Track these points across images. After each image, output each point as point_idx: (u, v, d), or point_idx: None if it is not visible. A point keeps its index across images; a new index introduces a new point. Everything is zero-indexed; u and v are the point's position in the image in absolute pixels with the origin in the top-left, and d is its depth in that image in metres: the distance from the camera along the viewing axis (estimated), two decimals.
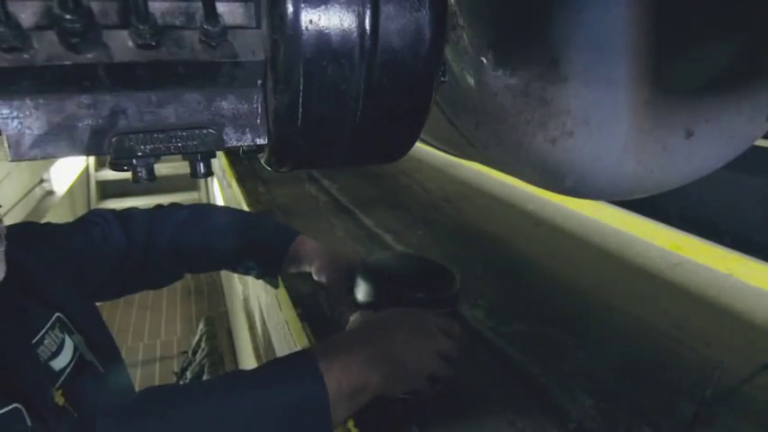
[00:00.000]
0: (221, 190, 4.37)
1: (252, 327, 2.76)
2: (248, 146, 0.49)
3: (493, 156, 0.90)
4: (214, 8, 0.40)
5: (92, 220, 1.04)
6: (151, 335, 5.32)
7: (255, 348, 2.62)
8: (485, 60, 0.80)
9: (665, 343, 1.22)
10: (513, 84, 0.80)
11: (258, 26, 0.45)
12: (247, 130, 0.47)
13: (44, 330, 0.79)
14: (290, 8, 0.41)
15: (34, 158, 0.43)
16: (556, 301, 1.41)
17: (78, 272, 0.92)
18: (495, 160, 0.92)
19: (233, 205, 3.12)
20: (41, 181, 5.12)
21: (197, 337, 3.31)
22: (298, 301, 1.28)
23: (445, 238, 1.81)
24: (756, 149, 0.97)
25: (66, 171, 5.66)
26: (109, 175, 6.37)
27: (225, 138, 0.47)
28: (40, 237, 0.91)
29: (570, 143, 0.84)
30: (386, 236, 1.85)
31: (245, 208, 2.13)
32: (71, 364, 0.80)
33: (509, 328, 1.26)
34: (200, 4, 0.42)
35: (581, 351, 1.17)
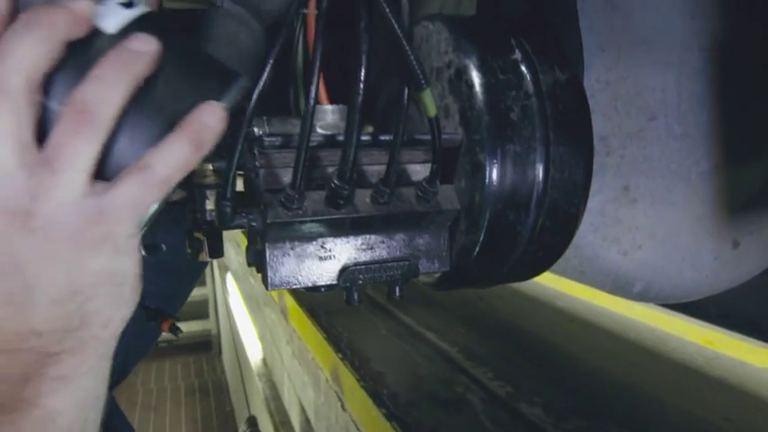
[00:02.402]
0: (238, 285, 4.42)
1: (278, 427, 2.74)
2: (432, 272, 0.60)
3: (570, 267, 1.02)
4: (438, 173, 0.53)
5: None
6: None
7: None
8: None
9: None
10: (592, 206, 0.94)
11: (451, 182, 0.58)
12: (436, 260, 0.59)
13: None
14: (489, 173, 0.54)
15: (283, 288, 0.54)
16: (607, 396, 1.48)
17: None
18: (571, 271, 1.04)
19: (260, 301, 3.17)
20: None
21: None
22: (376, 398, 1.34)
23: (487, 337, 1.90)
24: None
25: None
26: None
27: (420, 267, 0.58)
28: None
29: (639, 255, 0.97)
30: (428, 334, 1.93)
31: (288, 302, 2.21)
32: None
33: (570, 425, 1.33)
34: (416, 166, 0.56)
35: None
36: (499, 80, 0.54)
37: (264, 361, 3.28)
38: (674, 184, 0.95)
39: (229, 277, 4.78)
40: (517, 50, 0.57)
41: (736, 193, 1.03)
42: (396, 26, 0.43)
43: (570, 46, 0.68)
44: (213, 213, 0.60)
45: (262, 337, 3.32)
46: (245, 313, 3.87)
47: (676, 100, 0.91)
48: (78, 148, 0.36)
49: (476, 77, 0.54)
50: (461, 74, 0.55)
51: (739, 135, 1.00)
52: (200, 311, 6.72)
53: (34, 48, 0.34)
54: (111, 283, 0.40)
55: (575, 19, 0.69)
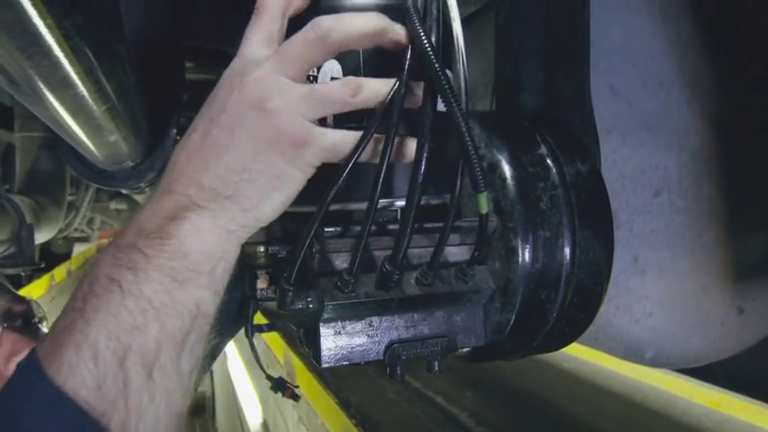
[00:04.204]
0: (237, 346, 4.36)
1: None
2: (465, 348, 0.65)
3: (585, 334, 1.06)
4: (477, 259, 0.58)
5: None
6: None
7: None
8: None
9: None
10: None
11: (485, 264, 0.63)
12: (472, 336, 0.63)
13: None
14: (522, 256, 0.59)
15: (336, 365, 0.58)
16: None
17: None
18: (585, 338, 1.08)
19: (263, 363, 3.15)
20: None
21: None
22: None
23: (496, 400, 1.90)
24: None
25: None
26: None
27: (458, 342, 0.63)
28: None
29: (650, 322, 1.01)
30: (437, 397, 1.93)
31: (294, 365, 2.21)
32: None
33: None
34: (452, 249, 0.61)
35: None
36: (529, 173, 0.61)
37: (265, 426, 3.23)
38: (679, 255, 1.01)
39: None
40: (542, 145, 0.64)
41: (739, 263, 1.09)
42: (467, 137, 0.49)
43: (586, 137, 0.75)
44: (264, 293, 0.65)
45: (263, 401, 3.27)
46: (245, 375, 3.82)
47: (677, 177, 0.99)
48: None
49: (508, 171, 0.60)
50: (495, 168, 0.61)
51: (738, 208, 1.07)
52: None
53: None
54: (270, 182, 0.46)
55: (589, 112, 0.77)
